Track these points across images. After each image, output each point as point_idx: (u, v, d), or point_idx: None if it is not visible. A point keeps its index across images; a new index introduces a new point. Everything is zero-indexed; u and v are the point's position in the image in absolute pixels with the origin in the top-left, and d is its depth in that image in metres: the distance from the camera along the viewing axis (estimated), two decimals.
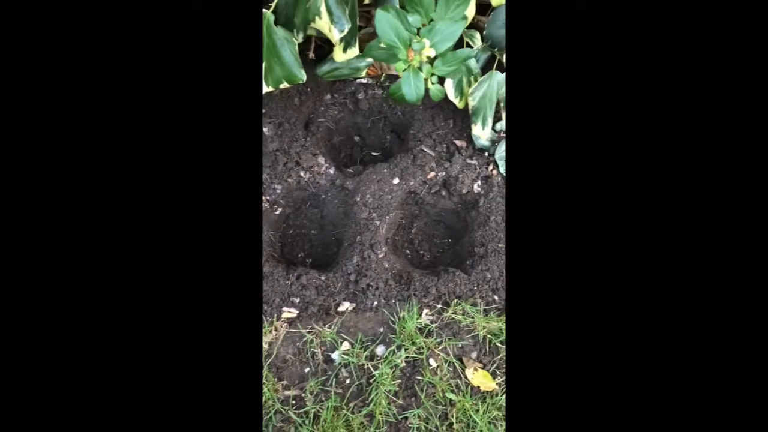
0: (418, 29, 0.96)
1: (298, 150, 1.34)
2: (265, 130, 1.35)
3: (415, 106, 1.41)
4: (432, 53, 0.95)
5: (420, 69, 0.98)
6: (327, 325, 1.15)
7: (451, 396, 1.07)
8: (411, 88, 0.99)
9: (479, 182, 1.32)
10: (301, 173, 1.33)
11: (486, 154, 1.34)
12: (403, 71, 0.97)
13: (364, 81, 1.45)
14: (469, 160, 1.33)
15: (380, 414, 1.05)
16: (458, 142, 1.36)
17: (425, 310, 1.17)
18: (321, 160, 1.35)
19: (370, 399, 1.06)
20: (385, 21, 0.91)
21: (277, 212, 1.32)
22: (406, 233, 1.33)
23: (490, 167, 1.33)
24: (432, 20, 0.96)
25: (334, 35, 0.97)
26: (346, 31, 0.97)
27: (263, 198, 1.30)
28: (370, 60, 1.27)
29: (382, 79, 1.45)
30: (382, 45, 0.94)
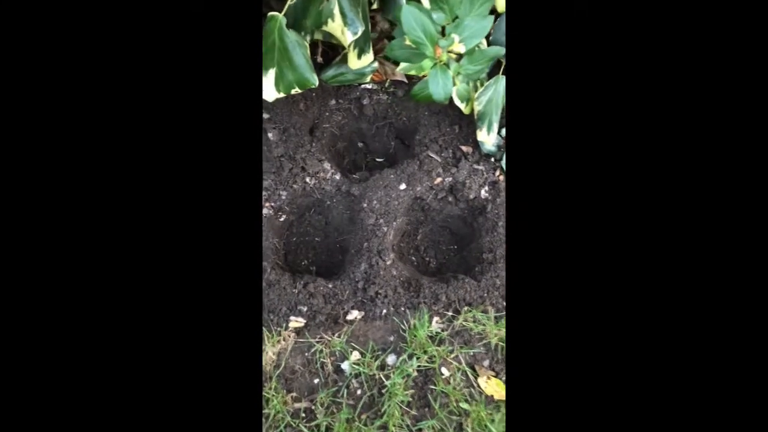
0: (443, 28, 0.93)
1: (304, 156, 1.32)
2: (270, 135, 1.32)
3: (421, 112, 1.40)
4: (462, 49, 0.91)
5: (447, 66, 0.95)
6: (336, 334, 1.12)
7: (465, 406, 1.05)
8: (439, 87, 0.95)
9: (486, 188, 1.30)
10: (307, 179, 1.31)
11: (492, 159, 1.33)
12: (429, 69, 0.94)
13: (368, 86, 1.43)
14: (476, 166, 1.32)
15: (394, 426, 1.02)
16: (464, 148, 1.35)
17: (435, 318, 1.15)
18: (327, 165, 1.33)
19: (382, 410, 1.04)
20: (411, 17, 0.86)
21: (282, 219, 1.29)
22: (412, 240, 1.31)
23: (497, 173, 1.31)
24: (456, 17, 0.93)
25: (347, 38, 0.95)
26: (359, 33, 0.94)
27: (268, 204, 1.27)
28: (375, 65, 1.26)
29: (387, 84, 1.43)
30: (407, 42, 0.91)
